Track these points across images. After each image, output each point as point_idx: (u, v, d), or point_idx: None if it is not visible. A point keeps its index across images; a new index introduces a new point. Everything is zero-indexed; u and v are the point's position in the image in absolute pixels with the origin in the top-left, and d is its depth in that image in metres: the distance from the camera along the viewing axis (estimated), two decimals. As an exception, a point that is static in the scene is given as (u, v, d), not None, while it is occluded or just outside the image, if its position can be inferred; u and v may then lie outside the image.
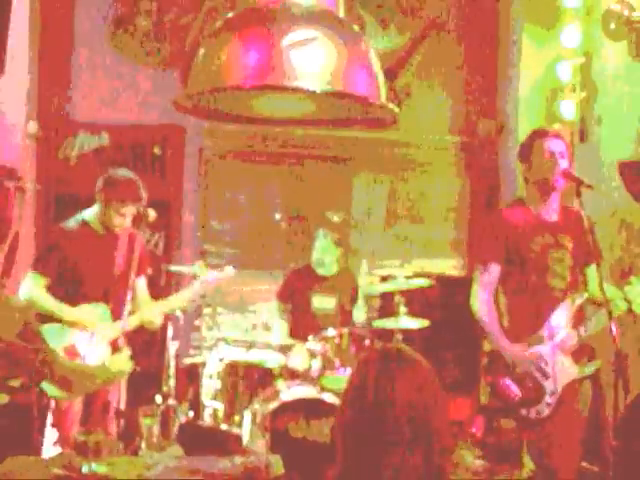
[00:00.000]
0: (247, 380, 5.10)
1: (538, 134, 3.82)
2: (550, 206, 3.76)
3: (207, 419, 5.04)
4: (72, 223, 4.36)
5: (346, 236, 6.46)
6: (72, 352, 4.12)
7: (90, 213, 4.33)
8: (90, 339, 4.16)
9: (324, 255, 5.51)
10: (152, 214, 4.25)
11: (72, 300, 4.19)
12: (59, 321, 4.15)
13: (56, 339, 4.09)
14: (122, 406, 4.62)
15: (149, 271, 4.59)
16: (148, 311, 4.36)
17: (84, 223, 4.31)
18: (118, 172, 4.35)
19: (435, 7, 6.83)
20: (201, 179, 6.70)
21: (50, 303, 4.15)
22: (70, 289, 4.21)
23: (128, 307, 4.19)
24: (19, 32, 5.78)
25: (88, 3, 6.60)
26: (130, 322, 4.24)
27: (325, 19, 3.36)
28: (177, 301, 4.58)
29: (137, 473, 3.46)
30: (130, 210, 4.23)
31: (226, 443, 4.86)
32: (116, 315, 4.23)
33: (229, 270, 4.80)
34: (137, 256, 4.24)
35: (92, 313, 4.20)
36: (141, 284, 4.47)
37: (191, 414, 5.14)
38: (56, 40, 6.49)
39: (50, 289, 4.19)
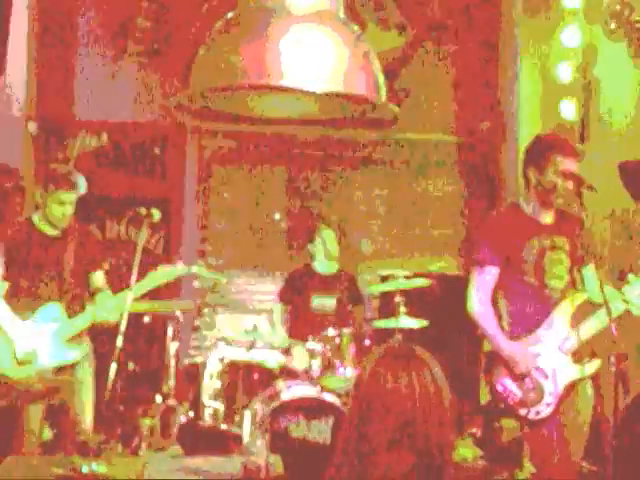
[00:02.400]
0: (247, 380, 5.10)
1: (558, 149, 3.68)
2: (546, 209, 3.77)
3: (207, 419, 5.03)
4: (19, 225, 4.38)
5: (346, 236, 6.46)
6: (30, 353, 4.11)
7: (37, 214, 4.32)
8: (50, 341, 4.15)
9: (332, 245, 5.51)
10: (156, 214, 4.25)
11: (26, 301, 4.18)
12: None
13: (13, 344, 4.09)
14: (114, 404, 4.61)
15: (105, 265, 4.55)
16: (100, 308, 4.28)
17: (31, 224, 4.30)
18: (54, 165, 4.38)
19: (435, 7, 6.83)
20: (201, 179, 6.70)
21: (2, 318, 4.12)
22: (23, 290, 4.20)
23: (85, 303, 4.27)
24: (19, 32, 5.78)
25: (88, 3, 6.60)
26: (82, 320, 4.22)
27: (325, 19, 3.36)
28: (127, 297, 4.34)
29: (137, 473, 3.47)
30: (68, 198, 4.21)
31: (226, 443, 4.87)
32: (72, 312, 4.24)
33: (180, 265, 4.63)
34: (89, 252, 4.32)
35: (41, 319, 4.16)
36: (97, 278, 4.43)
37: (191, 414, 5.13)
38: (56, 40, 6.49)
39: (8, 293, 4.17)
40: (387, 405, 1.83)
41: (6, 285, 4.16)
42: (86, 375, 4.32)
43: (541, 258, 3.70)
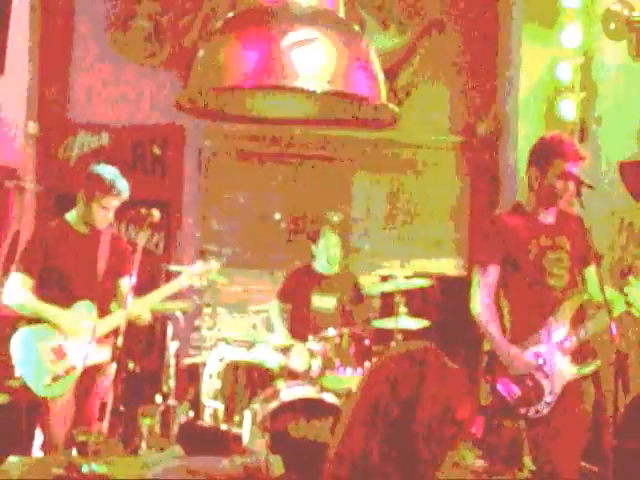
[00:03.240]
0: (247, 380, 5.10)
1: (561, 154, 3.66)
2: (547, 209, 3.78)
3: (207, 419, 5.03)
4: (55, 224, 4.39)
5: (346, 236, 6.46)
6: (59, 352, 4.12)
7: (72, 213, 4.34)
8: (77, 339, 4.15)
9: (335, 250, 5.51)
10: (157, 214, 4.25)
11: (58, 299, 4.18)
12: (46, 321, 4.16)
13: (44, 340, 4.12)
14: (114, 404, 4.58)
15: (133, 271, 4.55)
16: (132, 307, 4.20)
17: (66, 224, 4.32)
18: (98, 167, 4.36)
19: (435, 7, 6.83)
20: (201, 179, 6.70)
21: (36, 305, 4.15)
22: (55, 288, 4.20)
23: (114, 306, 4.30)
24: (19, 32, 5.78)
25: (88, 3, 6.60)
26: (114, 320, 4.21)
27: (325, 19, 3.36)
28: (161, 294, 4.48)
29: (137, 473, 3.46)
30: (113, 204, 4.25)
31: (226, 443, 4.86)
32: (102, 313, 4.25)
33: (213, 263, 4.75)
34: (120, 256, 4.34)
35: (77, 314, 4.18)
36: (125, 284, 4.37)
37: (191, 414, 5.13)
38: (56, 40, 6.49)
39: (35, 289, 4.19)
40: (392, 406, 1.82)
41: (30, 281, 4.15)
42: (109, 375, 4.28)
43: (542, 258, 3.71)
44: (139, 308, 4.30)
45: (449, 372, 1.89)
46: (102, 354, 4.23)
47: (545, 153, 3.72)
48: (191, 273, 4.60)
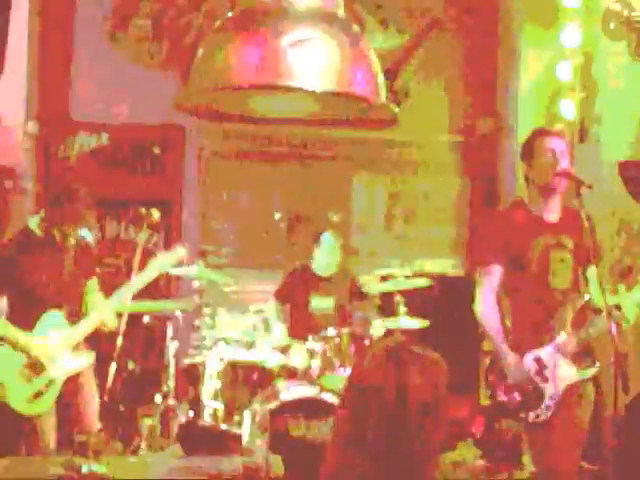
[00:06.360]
0: (247, 380, 5.10)
1: (540, 133, 3.76)
2: (551, 207, 3.73)
3: (207, 419, 5.04)
4: (16, 232, 4.20)
5: (346, 236, 6.46)
6: (36, 367, 3.95)
7: (34, 220, 4.12)
8: (58, 351, 4.00)
9: (330, 258, 5.46)
10: (156, 215, 4.22)
11: (27, 309, 4.01)
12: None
13: (17, 357, 3.94)
14: (114, 404, 4.55)
15: (98, 269, 4.40)
16: (101, 311, 4.14)
17: (28, 231, 4.11)
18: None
19: (434, 7, 6.83)
20: (201, 179, 6.70)
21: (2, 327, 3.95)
22: (23, 297, 4.02)
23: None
24: (19, 32, 5.78)
25: (88, 3, 6.60)
26: (84, 326, 4.08)
27: (325, 19, 3.36)
28: (127, 291, 4.22)
29: (137, 473, 3.47)
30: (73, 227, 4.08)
31: (226, 443, 4.86)
32: (72, 320, 4.09)
33: (179, 250, 4.47)
34: (85, 258, 4.18)
35: (45, 331, 4.00)
36: (92, 286, 4.26)
37: (191, 414, 5.14)
38: (56, 40, 6.49)
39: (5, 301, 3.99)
40: (383, 402, 1.82)
41: None
42: (89, 377, 4.21)
43: (546, 257, 3.67)
44: (107, 311, 4.12)
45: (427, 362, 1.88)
46: (80, 361, 4.09)
47: (528, 142, 3.75)
48: (157, 265, 4.34)
